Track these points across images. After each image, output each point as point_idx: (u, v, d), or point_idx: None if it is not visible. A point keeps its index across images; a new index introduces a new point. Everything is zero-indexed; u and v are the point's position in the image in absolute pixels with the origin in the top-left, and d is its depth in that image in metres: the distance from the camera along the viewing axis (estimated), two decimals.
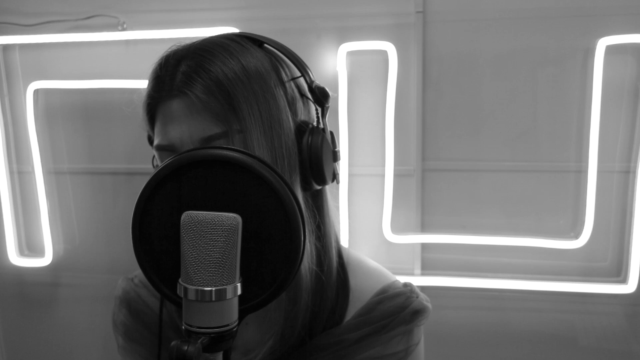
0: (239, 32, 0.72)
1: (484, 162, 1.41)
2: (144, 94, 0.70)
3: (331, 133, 0.73)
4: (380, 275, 0.81)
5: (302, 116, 0.71)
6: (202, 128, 0.64)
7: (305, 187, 0.70)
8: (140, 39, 1.48)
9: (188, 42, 0.71)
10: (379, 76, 1.40)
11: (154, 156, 0.74)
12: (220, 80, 0.64)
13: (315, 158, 0.68)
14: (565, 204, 1.39)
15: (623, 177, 1.36)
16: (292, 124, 0.68)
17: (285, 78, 0.70)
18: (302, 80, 0.72)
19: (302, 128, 0.69)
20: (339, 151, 0.73)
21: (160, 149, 0.67)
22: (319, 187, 0.71)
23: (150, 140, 0.74)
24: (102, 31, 1.48)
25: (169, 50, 0.70)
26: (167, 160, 0.55)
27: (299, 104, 0.71)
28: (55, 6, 1.52)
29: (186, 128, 0.64)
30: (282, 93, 0.68)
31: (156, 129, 0.68)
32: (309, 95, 0.72)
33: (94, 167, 1.59)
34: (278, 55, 0.71)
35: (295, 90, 0.71)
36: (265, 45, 0.71)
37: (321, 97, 0.70)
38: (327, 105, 0.72)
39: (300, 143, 0.68)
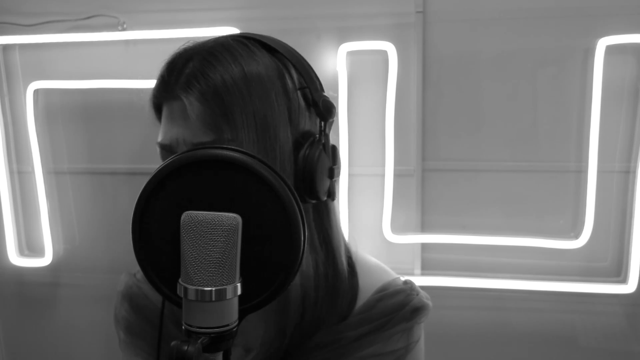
0: (252, 34, 0.71)
1: (484, 162, 1.41)
2: (152, 89, 0.71)
3: (333, 148, 0.72)
4: (380, 272, 0.81)
5: (306, 127, 0.70)
6: (193, 134, 0.64)
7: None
8: (140, 39, 1.48)
9: (201, 40, 0.70)
10: (379, 76, 1.40)
11: None
12: (218, 88, 0.63)
13: (308, 172, 0.66)
14: (565, 204, 1.39)
15: (623, 177, 1.36)
16: (290, 135, 0.67)
17: (290, 87, 0.69)
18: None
19: (301, 140, 0.68)
20: (337, 168, 0.72)
21: (160, 147, 0.69)
22: (313, 202, 0.70)
23: None
24: (102, 31, 1.48)
25: (181, 48, 0.70)
26: (167, 160, 0.55)
27: (305, 114, 0.70)
28: (55, 6, 1.52)
29: (181, 131, 0.65)
30: (283, 103, 0.67)
31: (161, 125, 0.70)
32: (314, 107, 0.70)
33: (94, 167, 1.59)
34: (288, 63, 0.70)
35: (302, 100, 0.70)
36: (276, 51, 0.69)
37: (325, 111, 0.69)
38: (330, 120, 0.71)
39: (296, 156, 0.67)
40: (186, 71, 0.66)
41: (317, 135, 0.70)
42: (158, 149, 0.70)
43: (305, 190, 0.67)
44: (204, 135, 0.64)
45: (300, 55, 0.71)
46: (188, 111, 0.64)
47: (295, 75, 0.70)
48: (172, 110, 0.67)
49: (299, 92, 0.70)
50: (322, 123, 0.70)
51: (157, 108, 0.70)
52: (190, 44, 0.70)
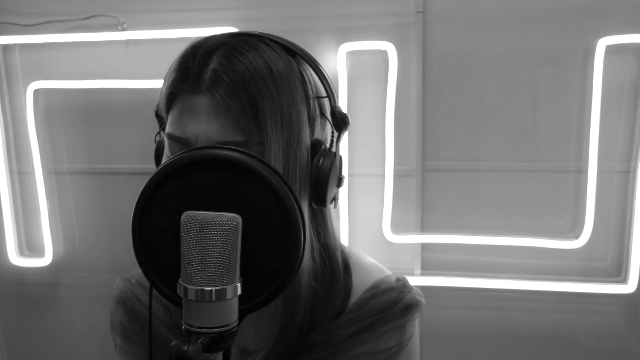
0: (273, 36, 0.70)
1: (484, 162, 1.41)
2: (167, 79, 0.67)
3: (340, 158, 0.73)
4: (373, 270, 0.81)
5: (318, 135, 0.71)
6: (221, 132, 0.62)
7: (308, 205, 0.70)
8: (140, 39, 1.48)
9: (219, 34, 0.69)
10: (379, 76, 1.40)
11: (157, 134, 0.73)
12: (249, 86, 0.62)
13: (321, 181, 0.68)
14: (565, 204, 1.39)
15: (623, 177, 1.36)
16: (309, 142, 0.68)
17: (310, 95, 0.69)
18: (325, 100, 0.72)
19: (316, 148, 0.69)
20: (343, 178, 0.74)
21: (172, 138, 0.65)
22: (315, 207, 0.71)
23: (157, 115, 0.73)
24: (102, 31, 1.48)
25: (198, 39, 0.68)
26: (167, 160, 0.55)
27: (318, 122, 0.71)
28: (55, 6, 1.52)
29: (205, 127, 0.63)
30: (305, 110, 0.67)
31: (171, 117, 0.66)
32: (329, 117, 0.71)
33: (94, 167, 1.59)
34: (307, 69, 0.70)
35: (317, 109, 0.71)
36: (297, 56, 0.69)
37: (341, 122, 0.70)
38: (344, 131, 0.72)
39: (310, 162, 0.68)
40: (212, 65, 0.63)
41: (329, 145, 0.71)
42: (165, 140, 0.67)
43: (316, 197, 0.68)
44: (235, 134, 0.62)
45: (319, 63, 0.71)
46: (219, 106, 0.62)
47: (313, 82, 0.70)
48: (194, 104, 0.63)
49: (316, 100, 0.70)
50: (337, 134, 0.71)
51: (171, 99, 0.67)
52: (205, 37, 0.68)
